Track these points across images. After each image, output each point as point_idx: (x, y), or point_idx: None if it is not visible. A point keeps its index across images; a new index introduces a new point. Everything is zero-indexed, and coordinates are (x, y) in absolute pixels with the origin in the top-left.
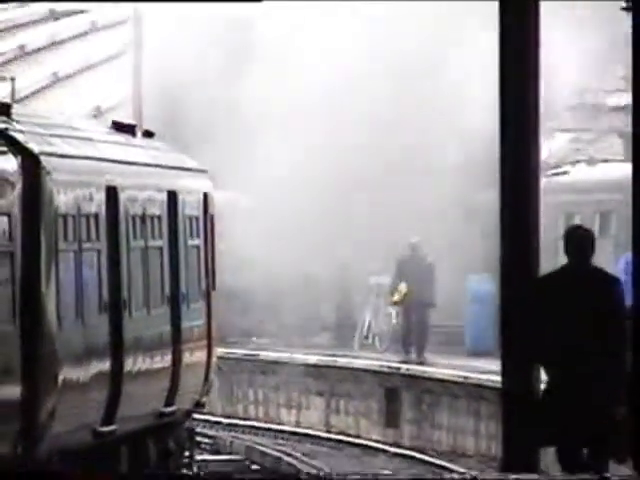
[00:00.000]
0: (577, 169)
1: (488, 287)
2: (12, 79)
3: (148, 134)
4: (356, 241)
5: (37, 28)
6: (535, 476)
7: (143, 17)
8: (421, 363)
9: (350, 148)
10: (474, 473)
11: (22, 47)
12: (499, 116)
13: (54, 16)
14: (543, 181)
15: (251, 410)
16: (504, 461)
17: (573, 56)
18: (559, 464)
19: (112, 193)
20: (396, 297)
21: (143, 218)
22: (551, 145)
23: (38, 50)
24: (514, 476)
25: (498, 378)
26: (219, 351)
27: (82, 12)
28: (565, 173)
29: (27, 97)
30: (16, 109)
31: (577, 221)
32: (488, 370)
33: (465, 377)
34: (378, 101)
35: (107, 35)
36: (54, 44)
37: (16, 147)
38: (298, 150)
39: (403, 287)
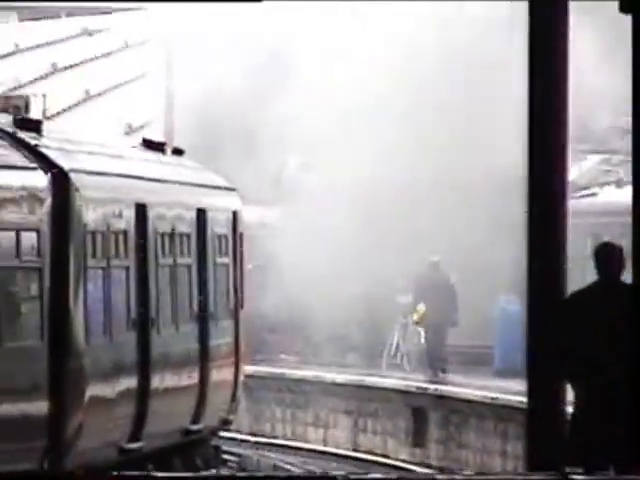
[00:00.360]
0: (605, 191)
1: (517, 308)
2: (44, 96)
3: (178, 152)
4: (386, 259)
5: (69, 45)
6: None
7: (174, 36)
8: (442, 383)
9: (383, 163)
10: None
11: (54, 64)
12: (527, 131)
13: (87, 33)
14: (572, 202)
15: (278, 428)
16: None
17: (604, 76)
18: None
19: (141, 210)
20: (415, 317)
21: (172, 236)
22: (581, 166)
23: (70, 67)
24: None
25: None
26: (247, 369)
27: (114, 30)
28: (593, 195)
29: (59, 114)
30: (46, 125)
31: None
32: (516, 391)
33: (493, 398)
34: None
35: (139, 52)
36: (86, 61)
37: (46, 163)
38: (331, 166)
39: (422, 307)
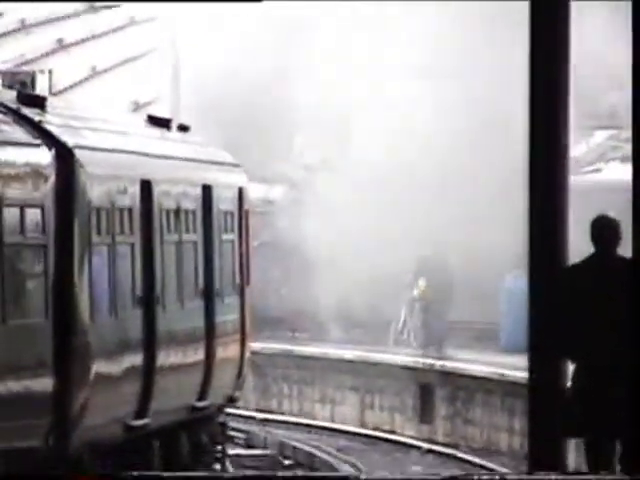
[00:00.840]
0: (610, 167)
1: (523, 284)
2: (50, 72)
3: (183, 128)
4: (396, 239)
5: (76, 21)
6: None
7: (179, 12)
8: (443, 359)
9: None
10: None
11: (60, 40)
12: (529, 113)
13: (93, 9)
14: (576, 179)
15: (285, 405)
16: (531, 456)
17: (614, 52)
18: (586, 457)
19: (146, 187)
20: (415, 292)
21: (177, 212)
22: (589, 142)
23: (77, 43)
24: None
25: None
26: (255, 346)
27: (120, 6)
28: (598, 171)
29: (65, 90)
30: (51, 102)
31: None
32: (523, 367)
33: (500, 374)
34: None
35: (146, 29)
36: (93, 37)
37: (50, 140)
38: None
39: (422, 283)
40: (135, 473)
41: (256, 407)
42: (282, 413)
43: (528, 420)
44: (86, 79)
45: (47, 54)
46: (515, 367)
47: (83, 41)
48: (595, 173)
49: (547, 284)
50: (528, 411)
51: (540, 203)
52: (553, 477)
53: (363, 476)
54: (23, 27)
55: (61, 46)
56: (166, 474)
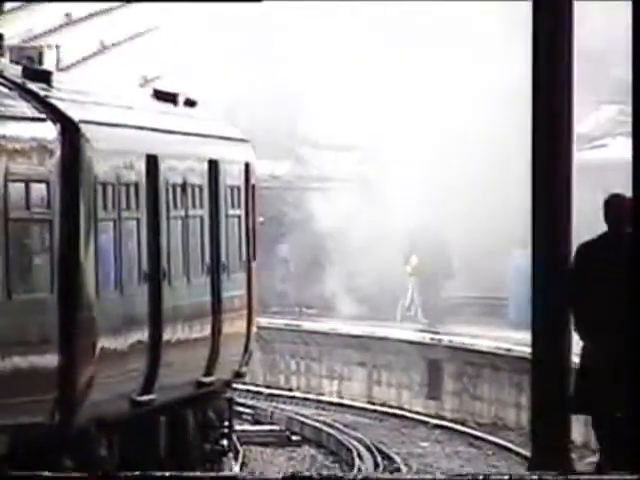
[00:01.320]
0: (616, 142)
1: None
2: (57, 47)
3: (190, 103)
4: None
5: None
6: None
7: None
8: (436, 332)
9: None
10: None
11: (68, 15)
12: (531, 103)
13: None
14: (581, 154)
15: (293, 381)
16: (534, 431)
17: (621, 25)
18: (595, 433)
19: (152, 162)
20: (408, 269)
21: (184, 187)
22: (598, 116)
23: (85, 18)
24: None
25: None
26: (262, 321)
27: None
28: (603, 146)
29: (73, 65)
30: (56, 76)
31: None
32: (529, 343)
33: (507, 349)
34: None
35: (153, 4)
36: (101, 12)
37: (55, 114)
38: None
39: (414, 259)
40: (137, 473)
41: (264, 383)
42: (290, 389)
43: (531, 395)
44: (94, 54)
45: (55, 29)
46: (522, 343)
47: (91, 16)
48: (601, 148)
49: (550, 261)
50: (531, 386)
51: (544, 183)
52: (559, 477)
53: (360, 476)
54: (31, 1)
55: (69, 21)
56: (167, 474)
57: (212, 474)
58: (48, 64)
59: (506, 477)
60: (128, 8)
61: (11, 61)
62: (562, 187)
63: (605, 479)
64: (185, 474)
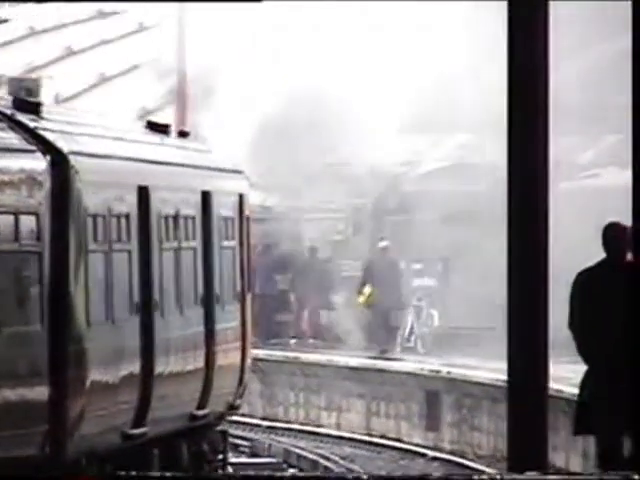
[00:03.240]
0: (608, 172)
1: None
2: (54, 78)
3: (183, 134)
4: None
5: (84, 28)
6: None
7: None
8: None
9: None
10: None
11: (69, 47)
12: (507, 117)
13: (102, 15)
14: (575, 184)
15: (291, 412)
16: (511, 457)
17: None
18: (598, 455)
19: (144, 193)
20: (361, 299)
21: (176, 219)
22: (600, 146)
23: (85, 50)
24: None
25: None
26: (260, 353)
27: (128, 12)
28: (595, 176)
29: (73, 97)
30: (47, 107)
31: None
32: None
33: (505, 381)
34: None
35: (154, 35)
36: (101, 44)
37: (45, 146)
38: None
39: (367, 289)
40: (133, 473)
41: (262, 415)
42: (288, 421)
43: (508, 421)
44: (95, 85)
45: (56, 60)
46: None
47: (92, 47)
48: (592, 178)
49: (527, 287)
50: (508, 412)
51: (520, 210)
52: (551, 477)
53: (364, 476)
54: (32, 33)
55: (70, 52)
56: (167, 474)
57: (212, 475)
58: (46, 95)
59: (498, 477)
60: (127, 40)
61: (9, 93)
62: (540, 220)
63: (594, 479)
64: (184, 475)
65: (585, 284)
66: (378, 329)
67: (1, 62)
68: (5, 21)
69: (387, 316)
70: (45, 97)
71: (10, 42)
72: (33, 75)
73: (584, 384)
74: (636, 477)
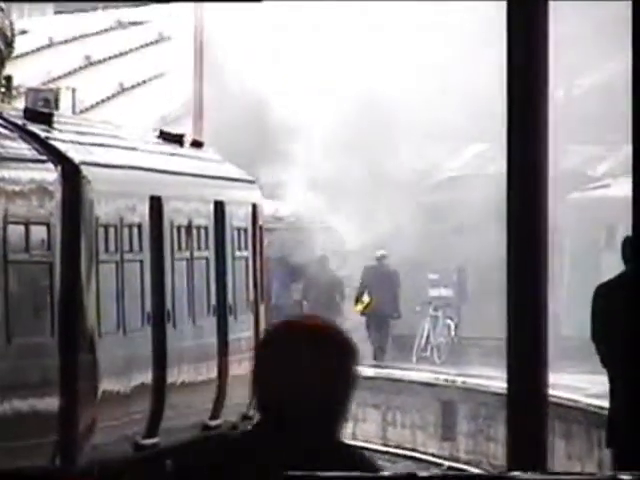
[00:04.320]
0: (619, 182)
1: None
2: (73, 90)
3: (197, 144)
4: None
5: (104, 38)
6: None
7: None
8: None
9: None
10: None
11: (88, 57)
12: (507, 122)
13: (121, 25)
14: (586, 195)
15: None
16: (510, 469)
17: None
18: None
19: (156, 203)
20: (359, 307)
21: (189, 229)
22: (618, 155)
23: (105, 60)
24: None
25: (554, 392)
26: None
27: (149, 22)
28: (605, 187)
29: (92, 107)
30: (59, 118)
31: (619, 236)
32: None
33: None
34: None
35: (173, 44)
36: (120, 54)
37: (56, 156)
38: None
39: (366, 298)
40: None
41: None
42: None
43: (507, 432)
44: (114, 96)
45: (75, 71)
46: None
47: (111, 58)
48: (603, 188)
49: (525, 294)
50: (507, 423)
51: (519, 222)
52: (552, 477)
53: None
54: (52, 44)
55: (89, 63)
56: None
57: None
58: (65, 106)
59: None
60: (148, 48)
61: (27, 103)
62: (540, 227)
63: (583, 478)
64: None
65: (605, 296)
66: (375, 336)
67: (21, 73)
68: (25, 32)
69: (384, 324)
70: (64, 108)
71: (30, 53)
72: (52, 86)
73: (611, 397)
74: (624, 477)
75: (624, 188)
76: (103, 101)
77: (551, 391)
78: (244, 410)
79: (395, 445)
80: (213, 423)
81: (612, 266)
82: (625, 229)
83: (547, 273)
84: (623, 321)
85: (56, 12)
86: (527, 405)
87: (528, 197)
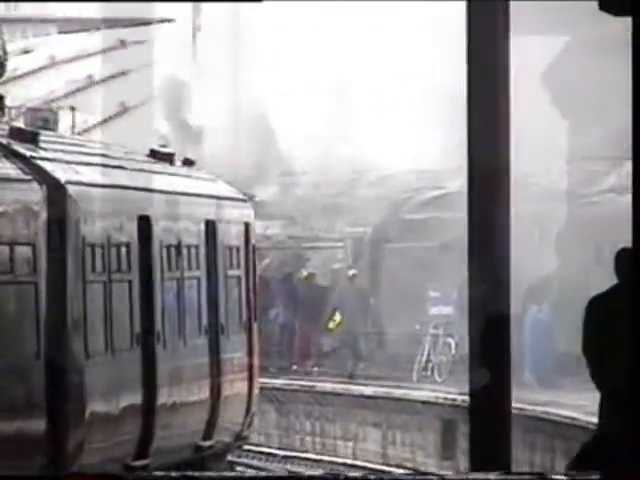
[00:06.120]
0: (607, 198)
1: (544, 317)
2: (72, 109)
3: (188, 162)
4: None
5: (106, 57)
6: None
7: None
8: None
9: None
10: None
11: (90, 77)
12: (467, 128)
13: (123, 45)
14: (576, 211)
15: (308, 442)
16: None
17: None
18: None
19: (145, 223)
20: (331, 325)
21: (178, 248)
22: (620, 172)
23: (106, 80)
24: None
25: (554, 410)
26: (277, 382)
27: (151, 41)
28: (595, 203)
29: (94, 126)
30: (45, 136)
31: (607, 252)
32: (544, 402)
33: (520, 409)
34: None
35: (175, 64)
36: (122, 73)
37: (42, 175)
38: None
39: (338, 316)
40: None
41: (278, 445)
42: (305, 450)
43: (469, 444)
44: (115, 115)
45: (76, 91)
46: (536, 402)
47: (112, 77)
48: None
49: (486, 306)
50: (469, 435)
51: (480, 233)
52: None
53: (372, 476)
54: (53, 63)
55: (91, 83)
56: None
57: (217, 474)
58: (65, 126)
59: (492, 477)
60: (149, 69)
61: (26, 123)
62: (501, 240)
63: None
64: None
65: (597, 309)
66: (346, 355)
67: (24, 92)
68: (28, 51)
69: (355, 342)
70: (64, 127)
71: (31, 72)
72: (54, 105)
73: (599, 413)
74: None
75: (614, 205)
76: (105, 121)
77: (550, 409)
78: (238, 430)
79: (396, 464)
80: (205, 444)
81: (601, 282)
82: (611, 248)
83: (510, 286)
84: (619, 332)
85: (59, 32)
86: (490, 419)
87: (489, 204)
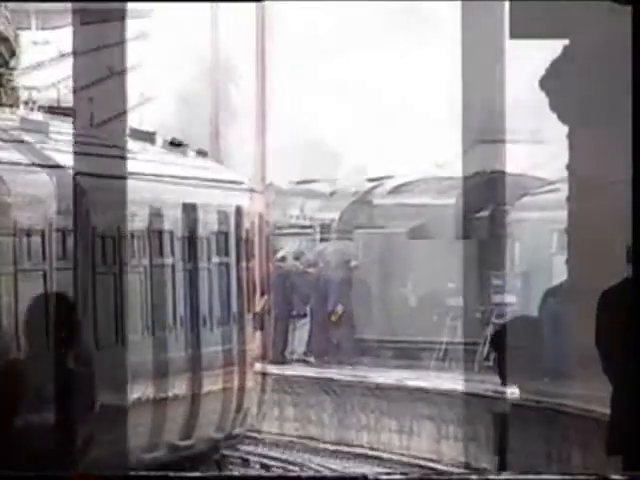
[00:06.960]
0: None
1: (557, 308)
2: (90, 99)
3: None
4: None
5: (126, 48)
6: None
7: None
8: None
9: None
10: None
11: (110, 67)
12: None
13: (144, 35)
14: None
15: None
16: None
17: None
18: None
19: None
20: (333, 318)
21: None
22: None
23: (126, 70)
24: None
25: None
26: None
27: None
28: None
29: (115, 117)
30: (55, 127)
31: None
32: (563, 394)
33: (537, 401)
34: None
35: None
36: (143, 64)
37: (52, 165)
38: None
39: (340, 308)
40: (132, 473)
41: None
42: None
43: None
44: (135, 106)
45: (97, 81)
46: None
47: (133, 68)
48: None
49: None
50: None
51: None
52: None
53: (371, 476)
54: (73, 54)
55: (111, 73)
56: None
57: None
58: (84, 117)
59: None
60: (169, 59)
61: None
62: None
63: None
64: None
65: (607, 303)
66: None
67: (37, 84)
68: (47, 43)
69: (350, 333)
70: (82, 119)
71: (48, 63)
72: (73, 96)
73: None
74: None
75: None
76: (125, 112)
77: (566, 401)
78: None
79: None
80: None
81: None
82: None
83: None
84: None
85: (81, 23)
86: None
87: None
